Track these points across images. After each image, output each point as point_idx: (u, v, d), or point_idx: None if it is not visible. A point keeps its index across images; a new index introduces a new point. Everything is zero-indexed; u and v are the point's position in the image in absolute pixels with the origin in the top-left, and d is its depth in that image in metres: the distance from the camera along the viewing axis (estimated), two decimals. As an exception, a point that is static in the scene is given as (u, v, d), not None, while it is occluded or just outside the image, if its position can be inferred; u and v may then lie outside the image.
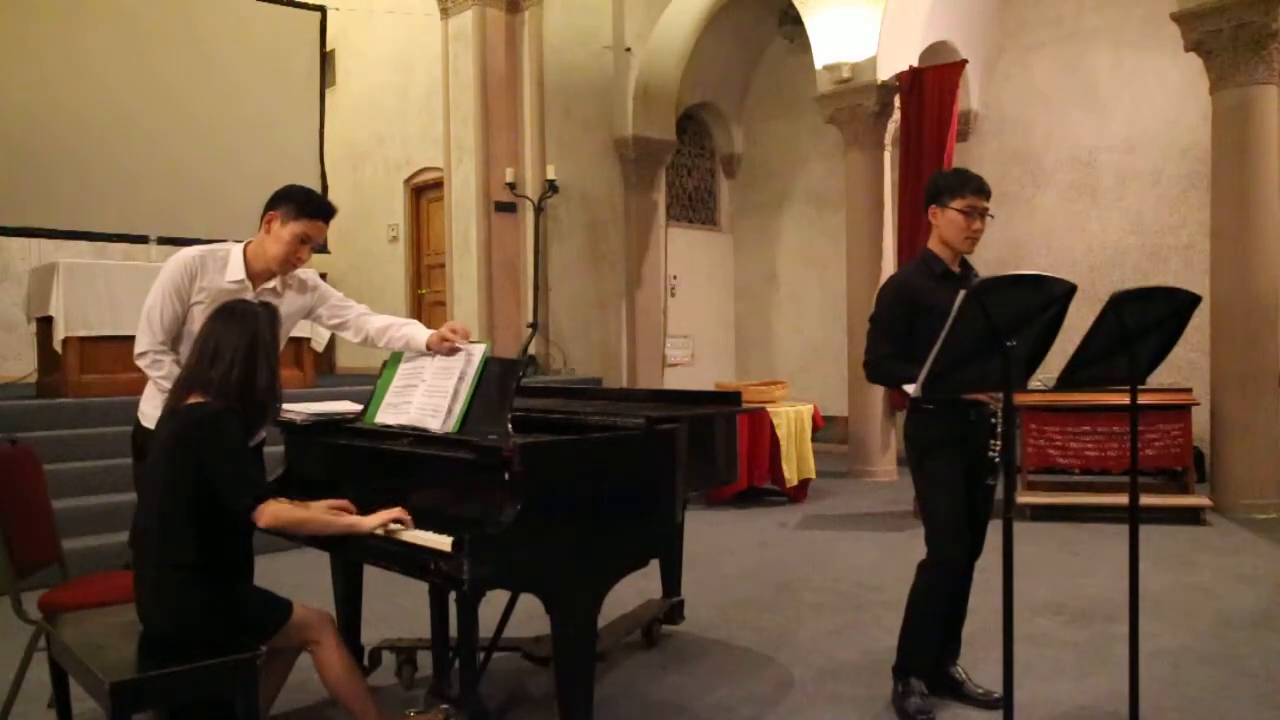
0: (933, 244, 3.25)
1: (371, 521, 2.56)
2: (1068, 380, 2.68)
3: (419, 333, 3.10)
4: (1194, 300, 2.68)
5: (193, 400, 2.56)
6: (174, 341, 2.99)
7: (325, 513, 2.62)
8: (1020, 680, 2.84)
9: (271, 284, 3.07)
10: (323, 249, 8.82)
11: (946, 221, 3.18)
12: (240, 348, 2.59)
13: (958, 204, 3.14)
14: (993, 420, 3.09)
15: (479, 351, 2.92)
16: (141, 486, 2.94)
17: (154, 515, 2.56)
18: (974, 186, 3.16)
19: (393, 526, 2.55)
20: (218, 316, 2.67)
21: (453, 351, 2.96)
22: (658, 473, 2.77)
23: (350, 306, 3.27)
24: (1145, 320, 2.60)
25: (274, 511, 2.51)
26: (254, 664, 2.43)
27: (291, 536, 2.81)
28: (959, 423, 3.07)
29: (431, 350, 3.03)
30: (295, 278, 3.15)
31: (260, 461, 3.17)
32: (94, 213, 7.65)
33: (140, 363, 2.99)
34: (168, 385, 2.85)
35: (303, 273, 3.17)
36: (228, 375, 2.56)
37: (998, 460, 3.10)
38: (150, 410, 3.03)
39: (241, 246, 3.05)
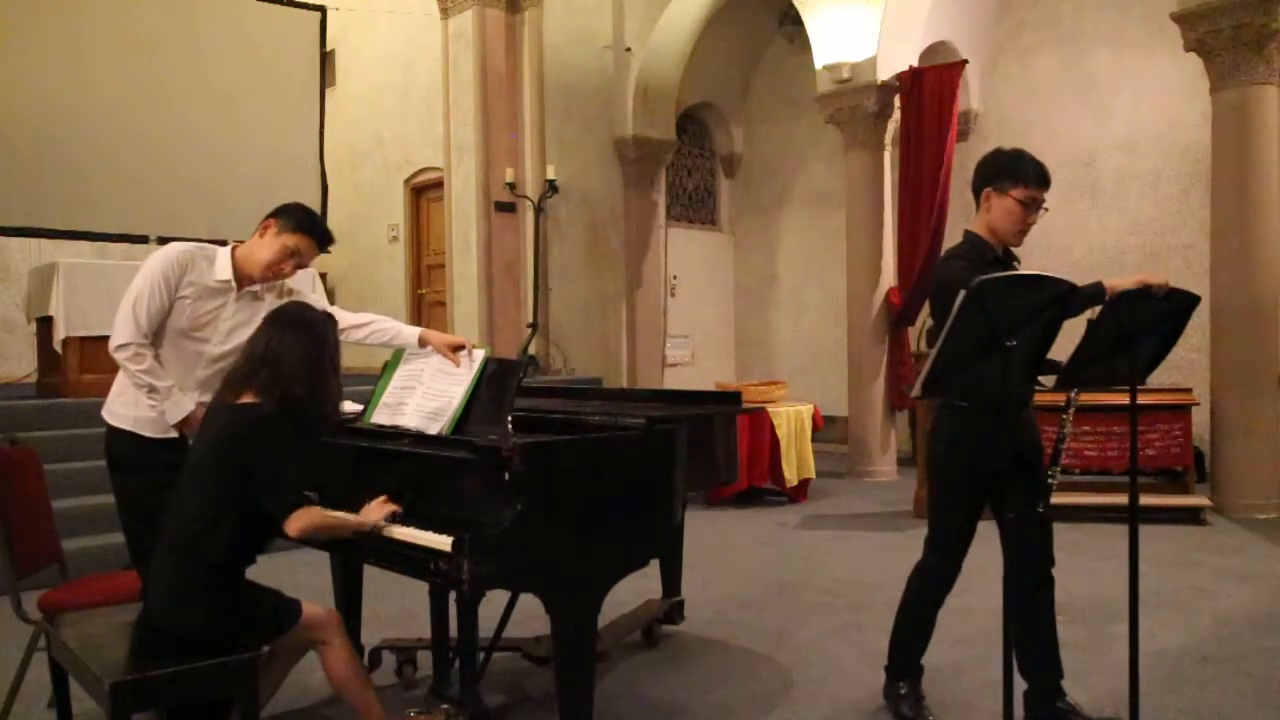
0: (979, 228, 2.90)
1: (374, 515, 2.58)
2: (1068, 380, 2.67)
3: (406, 328, 3.14)
4: (1194, 300, 2.68)
5: (246, 399, 2.55)
6: (154, 337, 2.90)
7: (349, 515, 2.62)
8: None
9: (254, 286, 3.08)
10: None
11: (1002, 209, 2.82)
12: (306, 359, 2.58)
13: (1018, 193, 2.80)
14: (1058, 434, 2.87)
15: (478, 356, 2.94)
16: (127, 494, 2.92)
17: (191, 512, 2.52)
18: (1038, 175, 2.83)
19: (382, 521, 2.56)
20: (279, 321, 2.66)
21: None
22: (658, 473, 2.77)
23: (329, 307, 3.28)
24: (1145, 320, 2.60)
25: (304, 517, 2.50)
26: (254, 664, 2.43)
27: (306, 540, 2.81)
28: (992, 426, 2.66)
29: (428, 346, 3.04)
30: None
31: None
32: (94, 213, 7.65)
33: (120, 355, 2.85)
34: (147, 381, 2.83)
35: None
36: (291, 387, 2.54)
37: (1054, 484, 2.91)
38: (121, 409, 2.95)
39: (229, 249, 3.05)
